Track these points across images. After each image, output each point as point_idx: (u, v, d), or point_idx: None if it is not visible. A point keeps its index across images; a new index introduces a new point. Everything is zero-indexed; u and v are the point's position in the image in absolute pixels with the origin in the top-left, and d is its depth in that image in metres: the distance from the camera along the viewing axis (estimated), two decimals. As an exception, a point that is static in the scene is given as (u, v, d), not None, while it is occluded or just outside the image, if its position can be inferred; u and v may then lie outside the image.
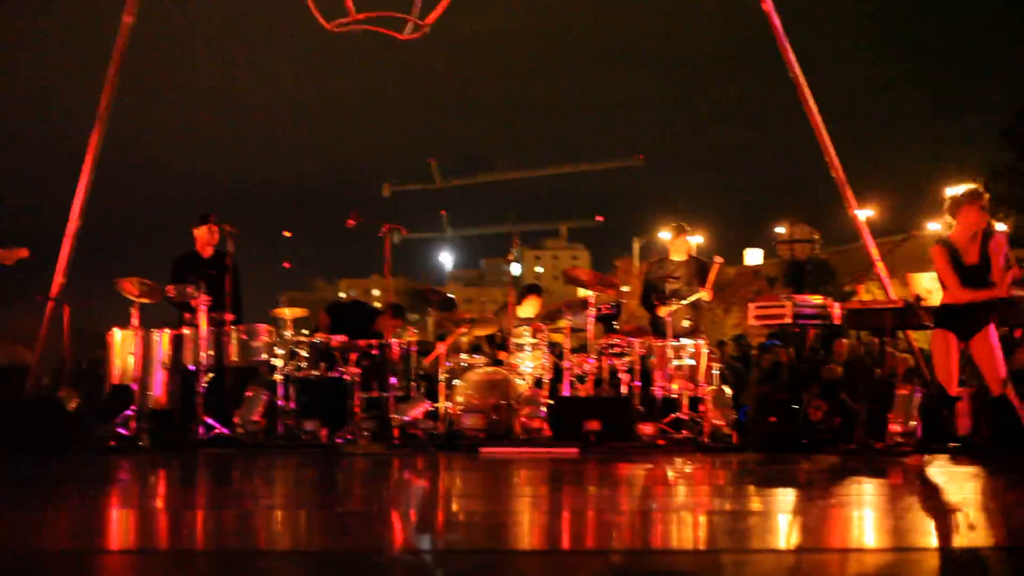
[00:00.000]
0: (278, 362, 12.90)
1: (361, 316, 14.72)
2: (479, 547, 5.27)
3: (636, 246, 69.34)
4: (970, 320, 10.17)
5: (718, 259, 13.86)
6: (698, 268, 13.91)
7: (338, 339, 13.04)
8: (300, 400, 12.88)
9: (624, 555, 4.95)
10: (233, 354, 12.95)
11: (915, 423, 11.53)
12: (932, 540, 5.42)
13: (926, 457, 10.92)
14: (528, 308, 14.48)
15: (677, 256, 14.01)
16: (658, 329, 13.36)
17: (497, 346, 14.17)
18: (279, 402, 12.79)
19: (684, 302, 13.31)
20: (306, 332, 13.92)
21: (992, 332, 10.22)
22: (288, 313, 13.30)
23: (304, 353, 12.99)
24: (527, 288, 14.96)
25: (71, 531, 6.09)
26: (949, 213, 10.23)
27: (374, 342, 13.01)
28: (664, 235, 14.14)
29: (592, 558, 4.87)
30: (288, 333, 13.12)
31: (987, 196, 10.42)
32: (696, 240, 62.92)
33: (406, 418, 12.54)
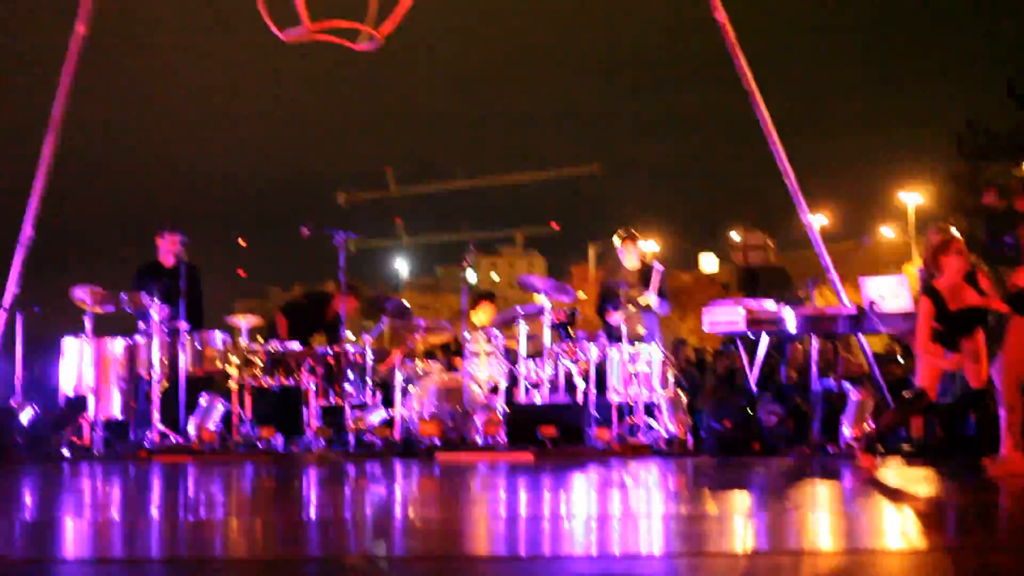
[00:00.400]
0: (233, 370, 12.85)
1: (316, 304, 14.69)
2: (437, 554, 5.28)
3: (592, 253, 69.57)
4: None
5: (658, 267, 13.88)
6: (648, 272, 13.95)
7: (293, 346, 13.02)
8: (255, 408, 12.83)
9: (582, 561, 4.97)
10: (188, 362, 12.91)
11: (869, 427, 11.61)
12: (885, 542, 5.47)
13: (879, 460, 11.00)
14: (482, 315, 14.49)
15: (630, 263, 14.03)
16: (612, 335, 13.39)
17: (453, 353, 14.17)
18: (234, 410, 12.75)
19: (631, 310, 13.30)
20: (261, 340, 13.88)
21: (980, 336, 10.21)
22: (243, 321, 13.26)
23: (259, 361, 12.95)
24: (480, 295, 14.97)
25: (24, 540, 6.06)
26: (929, 262, 10.25)
27: (332, 349, 12.99)
28: (615, 241, 14.11)
29: (550, 564, 4.89)
30: (243, 341, 13.08)
31: (955, 235, 10.43)
32: (652, 247, 63.27)
33: (362, 425, 12.53)
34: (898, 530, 5.95)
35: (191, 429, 12.43)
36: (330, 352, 12.92)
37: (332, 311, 14.27)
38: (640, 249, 14.30)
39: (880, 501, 7.80)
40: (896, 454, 11.70)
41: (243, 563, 5.17)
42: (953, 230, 10.55)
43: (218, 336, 13.27)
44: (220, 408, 12.70)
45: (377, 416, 12.70)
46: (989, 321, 10.64)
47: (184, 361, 12.89)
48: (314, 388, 12.67)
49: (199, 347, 12.99)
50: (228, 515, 7.29)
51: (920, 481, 9.12)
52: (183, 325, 12.96)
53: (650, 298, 13.53)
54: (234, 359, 12.89)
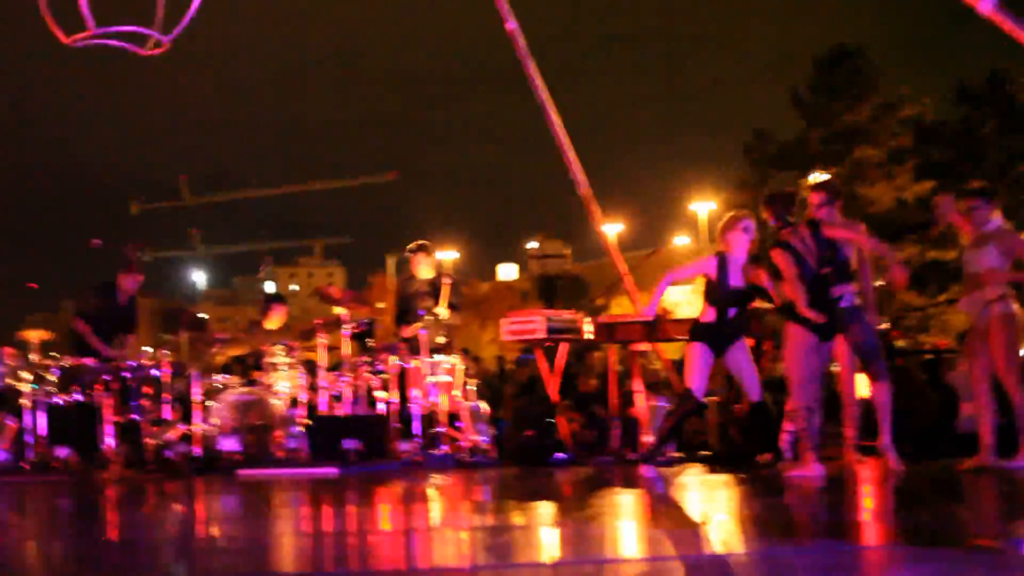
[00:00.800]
0: (25, 387, 12.54)
1: (107, 296, 14.29)
2: (240, 572, 5.23)
3: (390, 263, 69.49)
4: (723, 336, 10.50)
5: (446, 280, 13.94)
6: (439, 285, 14.00)
7: (88, 362, 12.75)
8: (50, 425, 12.54)
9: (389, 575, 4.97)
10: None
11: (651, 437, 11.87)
12: (685, 548, 5.57)
13: (677, 467, 11.21)
14: (275, 319, 14.38)
15: (424, 275, 14.06)
16: (412, 346, 13.41)
17: (252, 366, 14.02)
18: (27, 428, 12.44)
19: (421, 324, 13.32)
20: (55, 355, 13.57)
21: (745, 345, 10.59)
22: (34, 335, 12.95)
23: (52, 377, 12.66)
24: (268, 298, 14.84)
25: None
26: (719, 240, 10.59)
27: (124, 364, 12.77)
28: (409, 252, 14.14)
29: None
30: (35, 356, 12.77)
31: (743, 213, 10.73)
32: (451, 256, 63.46)
33: (161, 442, 12.34)
34: (695, 536, 6.07)
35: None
36: (127, 367, 12.70)
37: (124, 294, 14.01)
38: (433, 260, 14.35)
39: (680, 507, 7.95)
40: (696, 461, 11.94)
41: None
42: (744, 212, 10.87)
43: (8, 351, 12.94)
44: (12, 426, 12.38)
45: (175, 432, 12.51)
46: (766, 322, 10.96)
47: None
48: (110, 404, 12.42)
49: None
50: (22, 538, 7.11)
51: (718, 486, 9.31)
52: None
53: (441, 311, 13.56)
54: (26, 375, 12.58)
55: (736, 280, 10.40)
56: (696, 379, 10.39)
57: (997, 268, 9.96)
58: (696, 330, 10.60)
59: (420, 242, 14.27)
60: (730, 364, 10.67)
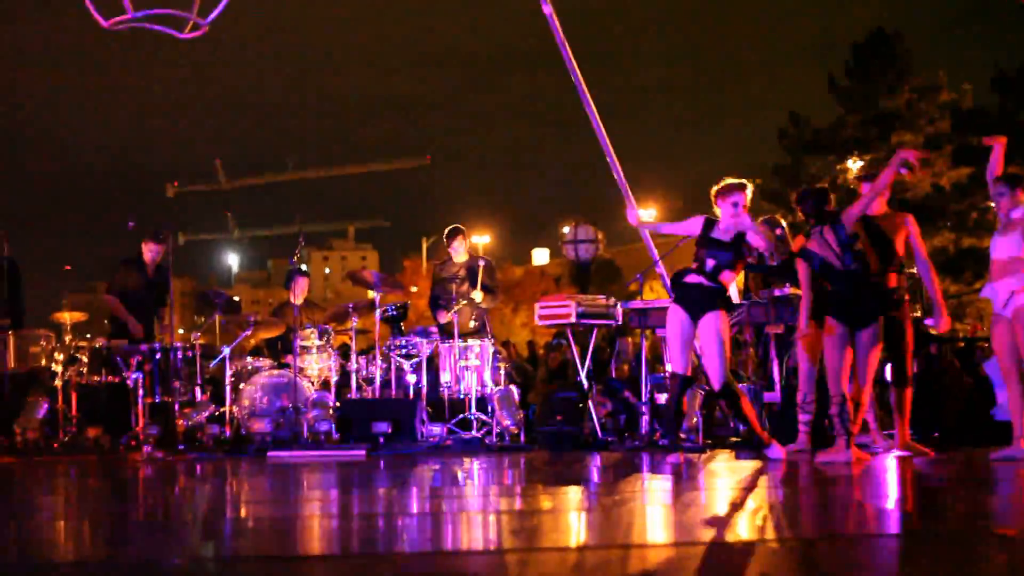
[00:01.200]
0: (58, 368, 12.61)
1: (134, 268, 14.31)
2: (268, 553, 5.23)
3: (425, 246, 69.51)
4: (696, 298, 10.41)
5: (481, 262, 13.94)
6: (475, 268, 14.00)
7: (120, 343, 12.81)
8: (82, 406, 12.61)
9: (414, 558, 4.97)
10: (11, 360, 12.63)
11: (697, 419, 11.81)
12: (715, 534, 5.56)
13: (708, 452, 11.19)
14: (298, 294, 14.38)
15: (459, 258, 14.08)
16: (445, 330, 13.42)
17: (283, 349, 14.06)
18: (60, 409, 12.51)
19: (457, 307, 13.34)
20: (88, 336, 13.65)
21: (715, 322, 10.34)
22: (68, 317, 13.02)
23: (85, 358, 12.72)
24: (289, 274, 14.82)
25: None
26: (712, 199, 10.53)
27: (157, 345, 12.82)
28: (474, 239, 14.21)
29: (382, 561, 4.88)
30: (68, 338, 12.84)
31: (742, 183, 10.63)
32: (484, 240, 63.49)
33: (191, 423, 12.38)
34: (725, 522, 6.05)
35: (16, 429, 12.16)
36: (158, 348, 12.74)
37: (150, 265, 14.09)
38: (469, 243, 14.34)
39: (709, 493, 7.93)
40: (725, 447, 11.92)
41: (71, 565, 5.07)
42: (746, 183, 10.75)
43: (43, 333, 13.02)
44: (45, 406, 12.45)
45: (206, 414, 12.56)
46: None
47: (8, 359, 12.61)
48: (142, 385, 12.47)
49: (23, 344, 12.72)
50: (54, 517, 7.14)
51: (748, 472, 9.28)
52: (3, 322, 12.69)
53: (475, 294, 13.57)
54: (59, 356, 12.65)
55: (719, 234, 10.30)
56: (673, 355, 10.37)
57: (1020, 256, 9.85)
58: (673, 283, 10.57)
59: (455, 225, 14.27)
60: (699, 340, 10.49)
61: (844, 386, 9.90)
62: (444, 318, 13.50)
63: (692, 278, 10.30)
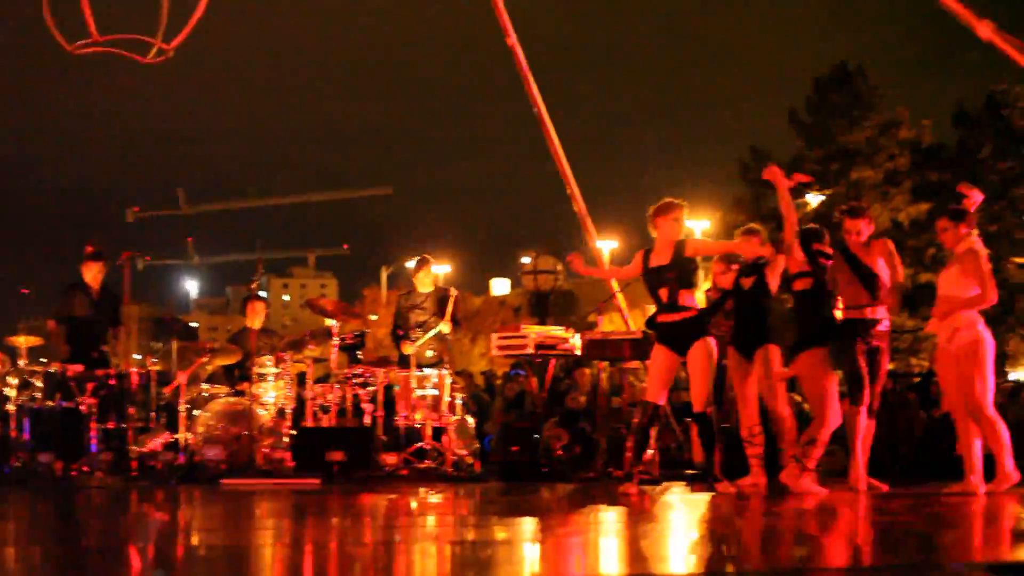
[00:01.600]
0: (11, 392, 12.50)
1: (73, 290, 14.15)
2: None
3: (384, 275, 69.37)
4: (676, 333, 10.36)
5: (453, 291, 13.94)
6: (442, 297, 14.00)
7: (74, 368, 12.71)
8: (34, 432, 12.48)
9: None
10: (-38, 385, 12.52)
11: (652, 451, 11.81)
12: (668, 566, 5.55)
13: (663, 485, 11.19)
14: (254, 318, 14.35)
15: (424, 288, 14.06)
16: (404, 359, 13.40)
17: (239, 376, 13.99)
18: (12, 434, 12.39)
19: (424, 337, 13.36)
20: (43, 360, 13.54)
21: (703, 348, 10.33)
22: (24, 341, 12.91)
23: (39, 383, 12.62)
24: (246, 298, 14.79)
25: None
26: (649, 220, 10.49)
27: (112, 371, 12.73)
28: (409, 265, 14.22)
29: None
30: (23, 362, 12.73)
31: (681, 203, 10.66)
32: (444, 270, 63.47)
33: (145, 450, 12.30)
34: (678, 554, 6.04)
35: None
36: (112, 375, 12.66)
37: (92, 287, 13.96)
38: (433, 273, 14.34)
39: (663, 525, 7.92)
40: (680, 480, 11.93)
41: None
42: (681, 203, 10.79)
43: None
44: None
45: (160, 440, 12.47)
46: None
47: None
48: (96, 411, 12.38)
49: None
50: (4, 545, 7.06)
51: (702, 505, 9.28)
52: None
53: (444, 326, 13.57)
54: (13, 380, 12.54)
55: (657, 260, 10.29)
56: (650, 383, 10.39)
57: (957, 293, 9.92)
58: (648, 323, 10.60)
59: (423, 256, 14.26)
60: (688, 367, 10.51)
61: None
62: (408, 349, 13.46)
63: (663, 317, 10.31)
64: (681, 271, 10.22)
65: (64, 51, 11.56)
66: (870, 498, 9.88)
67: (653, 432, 11.83)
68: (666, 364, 10.33)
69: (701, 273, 10.82)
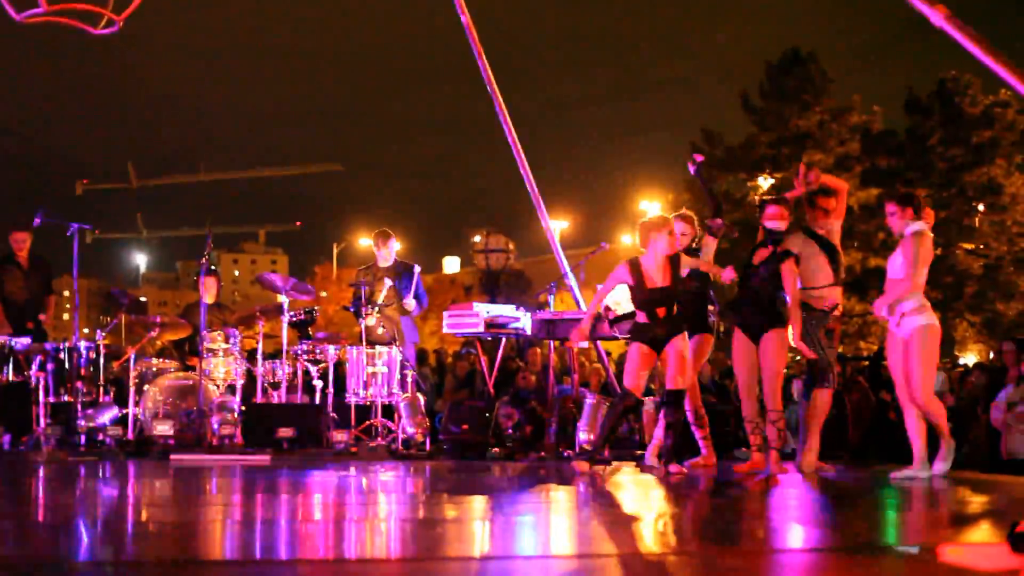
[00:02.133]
0: (-43, 367, 12.42)
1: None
2: (168, 557, 5.18)
3: (335, 252, 69.29)
4: (659, 336, 10.35)
5: (416, 267, 13.96)
6: (403, 271, 13.98)
7: (22, 342, 12.62)
8: (-19, 405, 12.41)
9: (317, 564, 4.94)
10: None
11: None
12: (615, 546, 5.57)
13: (614, 464, 11.22)
14: (207, 293, 14.27)
15: (384, 263, 14.04)
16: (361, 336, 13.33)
17: (189, 351, 13.93)
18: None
19: (378, 308, 13.30)
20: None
21: (679, 342, 10.38)
22: (-31, 315, 12.81)
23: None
24: (199, 272, 14.72)
25: None
26: (642, 237, 10.42)
27: (60, 345, 12.65)
28: (366, 241, 14.15)
29: (283, 568, 4.85)
30: (-33, 336, 12.64)
31: (672, 217, 10.75)
32: (395, 247, 63.42)
33: (93, 424, 12.23)
34: (626, 534, 6.07)
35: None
36: (61, 348, 12.58)
37: (20, 256, 13.86)
38: (393, 248, 14.27)
39: (613, 505, 7.95)
40: (633, 461, 11.98)
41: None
42: (677, 215, 10.89)
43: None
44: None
45: (109, 415, 12.41)
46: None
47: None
48: (43, 385, 12.30)
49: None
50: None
51: (652, 486, 9.33)
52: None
53: (409, 303, 13.55)
54: (-42, 355, 12.46)
55: (654, 281, 10.26)
56: (632, 377, 10.33)
57: (902, 277, 9.97)
58: (633, 329, 10.55)
59: (382, 229, 14.24)
60: (664, 359, 10.54)
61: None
62: (369, 318, 13.29)
63: (658, 331, 10.29)
64: (680, 291, 10.25)
65: (12, 21, 11.44)
66: (815, 480, 9.96)
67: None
68: (646, 360, 10.31)
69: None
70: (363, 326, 13.02)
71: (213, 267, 14.41)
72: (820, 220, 10.89)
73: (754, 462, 10.79)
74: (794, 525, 6.79)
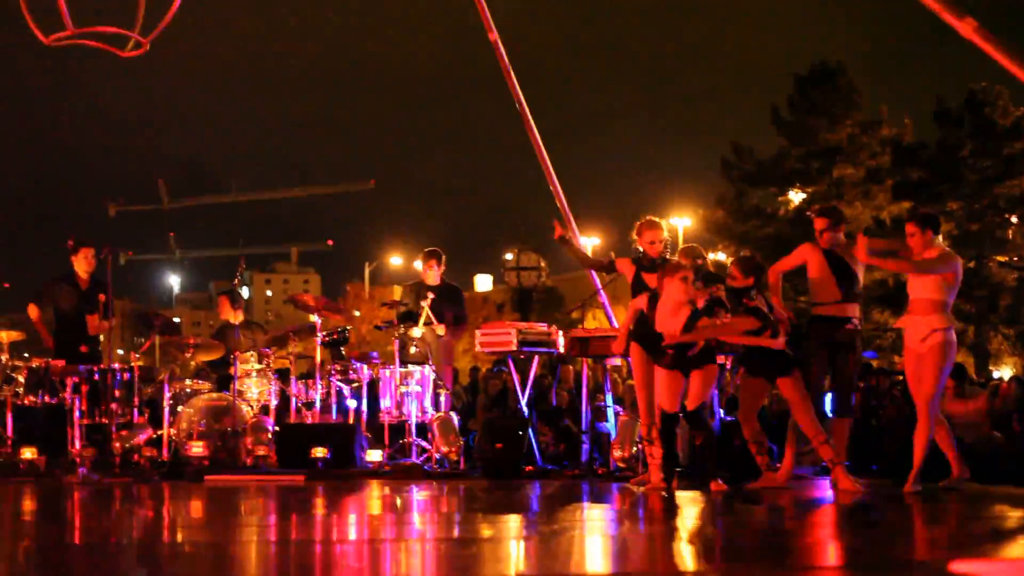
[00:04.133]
0: (-7, 387, 12.46)
1: (58, 281, 14.08)
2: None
3: (367, 271, 69.35)
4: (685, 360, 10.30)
5: (455, 289, 13.96)
6: (449, 293, 13.92)
7: (57, 364, 12.66)
8: (17, 427, 12.44)
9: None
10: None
11: (637, 448, 11.79)
12: (653, 564, 5.55)
13: (646, 484, 11.16)
14: (233, 314, 14.36)
15: (431, 281, 13.94)
16: (390, 355, 13.31)
17: (222, 372, 13.94)
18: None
19: (417, 333, 13.26)
20: (25, 356, 13.50)
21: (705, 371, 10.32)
22: (4, 336, 12.86)
23: (21, 378, 12.58)
24: (221, 292, 14.81)
25: None
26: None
27: (95, 367, 12.69)
28: (397, 260, 14.06)
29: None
30: (5, 357, 12.69)
31: (690, 263, 10.66)
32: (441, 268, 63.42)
33: (128, 445, 12.27)
34: (662, 553, 6.05)
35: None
36: (96, 370, 12.62)
37: (82, 278, 13.87)
38: (441, 267, 14.14)
39: (648, 523, 7.93)
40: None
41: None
42: (692, 260, 10.81)
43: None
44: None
45: (144, 436, 12.44)
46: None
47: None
48: (79, 406, 12.34)
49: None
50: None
51: (688, 503, 9.29)
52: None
53: (440, 329, 13.44)
54: (-6, 375, 12.50)
55: (661, 326, 10.18)
56: (667, 400, 10.26)
57: (936, 298, 9.91)
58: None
59: (431, 248, 14.17)
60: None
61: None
62: (417, 332, 13.22)
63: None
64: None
65: (40, 43, 11.51)
66: (839, 495, 9.90)
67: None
68: (676, 381, 10.26)
69: None
70: (398, 345, 12.98)
71: (234, 289, 14.51)
72: (827, 236, 10.78)
73: (769, 479, 10.71)
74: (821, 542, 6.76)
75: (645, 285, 10.83)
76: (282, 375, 13.48)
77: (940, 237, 10.12)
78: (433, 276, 13.95)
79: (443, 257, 14.13)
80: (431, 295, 13.34)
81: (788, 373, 10.35)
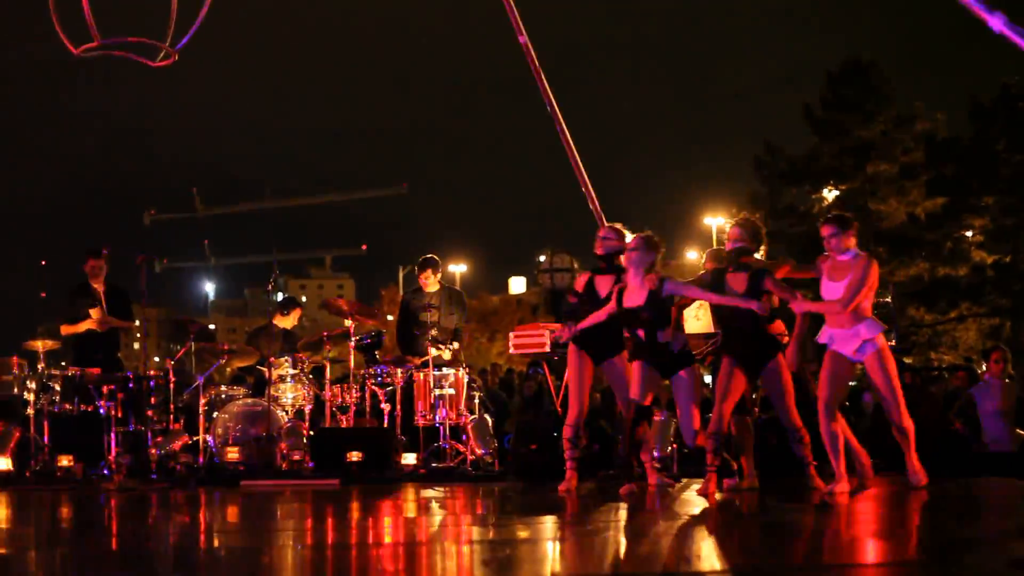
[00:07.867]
0: (31, 396, 12.53)
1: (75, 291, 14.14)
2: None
3: (401, 275, 69.43)
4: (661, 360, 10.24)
5: (460, 298, 14.04)
6: (451, 297, 13.94)
7: (92, 372, 12.73)
8: (54, 435, 12.51)
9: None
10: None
11: (671, 448, 11.78)
12: (688, 564, 5.53)
13: (684, 481, 11.16)
14: (290, 319, 14.46)
15: (431, 288, 13.95)
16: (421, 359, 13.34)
17: (257, 377, 13.98)
18: (32, 437, 12.42)
19: (446, 354, 13.29)
20: (62, 364, 13.57)
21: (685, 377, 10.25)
22: (41, 346, 12.93)
23: (57, 387, 12.65)
24: (286, 301, 14.93)
25: None
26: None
27: (131, 374, 12.75)
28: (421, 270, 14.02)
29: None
30: (41, 366, 12.76)
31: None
32: (460, 268, 63.54)
33: (164, 451, 12.32)
34: (700, 552, 6.03)
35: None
36: (131, 378, 12.67)
37: (94, 283, 13.92)
38: (438, 275, 14.12)
39: (683, 523, 7.90)
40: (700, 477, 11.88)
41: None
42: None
43: (15, 361, 12.92)
44: (16, 435, 12.36)
45: (180, 442, 12.48)
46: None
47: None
48: (114, 414, 12.40)
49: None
50: (26, 548, 7.08)
51: (723, 503, 9.27)
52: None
53: (446, 354, 13.43)
54: (31, 384, 12.57)
55: (630, 300, 10.10)
56: (634, 388, 10.16)
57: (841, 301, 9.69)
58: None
59: (428, 256, 14.19)
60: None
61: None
62: (435, 351, 13.25)
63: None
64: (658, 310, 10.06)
65: (71, 54, 11.57)
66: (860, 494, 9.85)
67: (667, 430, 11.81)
68: (648, 375, 10.16)
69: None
70: (431, 350, 13.01)
71: (292, 298, 14.68)
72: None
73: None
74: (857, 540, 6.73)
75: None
76: (316, 373, 13.51)
77: (855, 239, 9.84)
78: (432, 284, 13.95)
79: (439, 264, 14.13)
80: (433, 332, 13.33)
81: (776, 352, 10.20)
